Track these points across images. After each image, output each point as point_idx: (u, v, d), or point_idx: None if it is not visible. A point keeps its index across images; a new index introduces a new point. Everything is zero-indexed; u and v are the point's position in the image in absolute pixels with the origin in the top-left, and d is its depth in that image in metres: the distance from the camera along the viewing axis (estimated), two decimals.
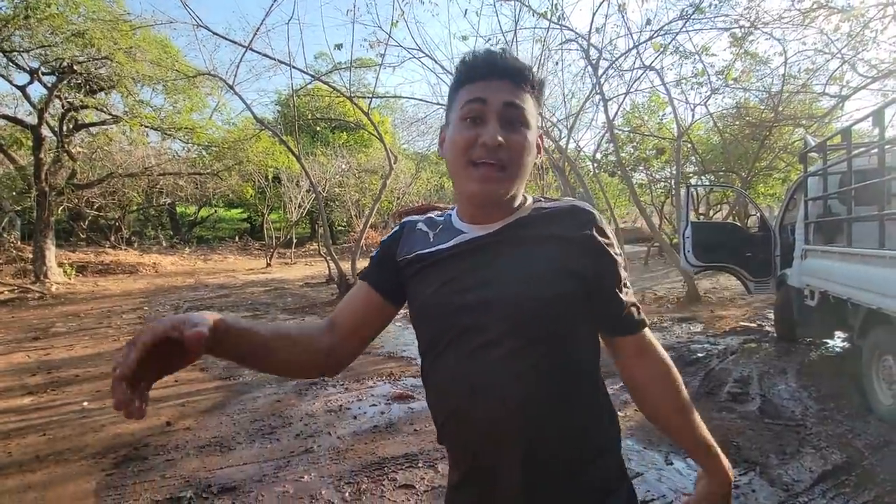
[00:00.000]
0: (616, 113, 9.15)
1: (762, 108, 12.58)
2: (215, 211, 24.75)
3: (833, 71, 10.37)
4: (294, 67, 8.90)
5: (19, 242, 15.08)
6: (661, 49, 7.84)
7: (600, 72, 8.42)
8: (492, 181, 0.76)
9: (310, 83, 10.55)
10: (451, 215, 0.89)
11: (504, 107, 0.76)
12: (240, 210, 26.06)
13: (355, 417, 3.63)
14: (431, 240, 0.86)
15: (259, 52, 8.68)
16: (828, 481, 2.61)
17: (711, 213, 16.67)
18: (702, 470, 0.86)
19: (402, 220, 0.95)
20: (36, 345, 6.21)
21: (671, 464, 2.85)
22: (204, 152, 16.22)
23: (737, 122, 13.71)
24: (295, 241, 21.72)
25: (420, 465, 2.89)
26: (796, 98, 11.94)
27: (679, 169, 9.36)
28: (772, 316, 6.05)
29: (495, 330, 0.75)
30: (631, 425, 3.37)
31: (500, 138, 0.74)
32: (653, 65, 8.94)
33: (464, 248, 0.81)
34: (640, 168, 14.42)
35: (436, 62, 9.01)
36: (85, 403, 4.06)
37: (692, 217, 6.28)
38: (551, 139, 8.24)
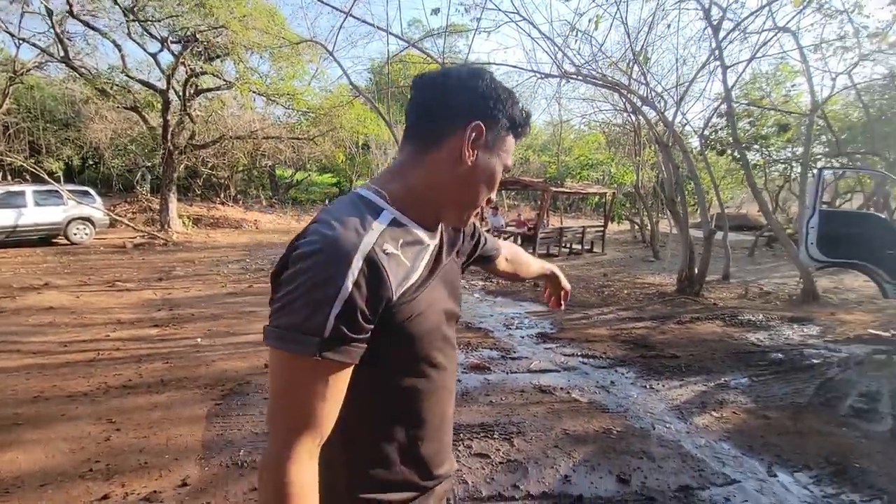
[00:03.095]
0: (734, 83, 8.10)
1: None
2: (309, 175, 26.33)
3: None
4: (390, 33, 8.95)
5: (149, 195, 17.23)
6: (803, 5, 6.72)
7: (722, 34, 7.46)
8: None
9: (403, 50, 10.58)
10: (396, 218, 0.73)
11: None
12: (330, 175, 27.46)
13: None
14: (409, 263, 0.72)
15: (358, 18, 8.83)
16: (841, 479, 2.19)
17: (839, 202, 14.51)
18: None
19: (360, 256, 0.64)
20: (161, 284, 7.11)
21: (775, 475, 2.56)
22: (302, 118, 17.14)
23: (886, 96, 11.60)
24: None
25: (495, 436, 2.88)
26: None
27: (808, 148, 8.14)
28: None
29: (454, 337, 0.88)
30: (728, 427, 3.08)
31: None
32: (787, 25, 7.75)
33: (431, 260, 0.79)
34: (756, 147, 12.82)
35: (533, 26, 8.53)
36: (199, 340, 4.57)
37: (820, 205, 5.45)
38: (656, 111, 7.53)
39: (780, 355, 4.57)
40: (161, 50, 12.97)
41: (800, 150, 12.86)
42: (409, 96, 0.78)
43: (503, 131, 0.77)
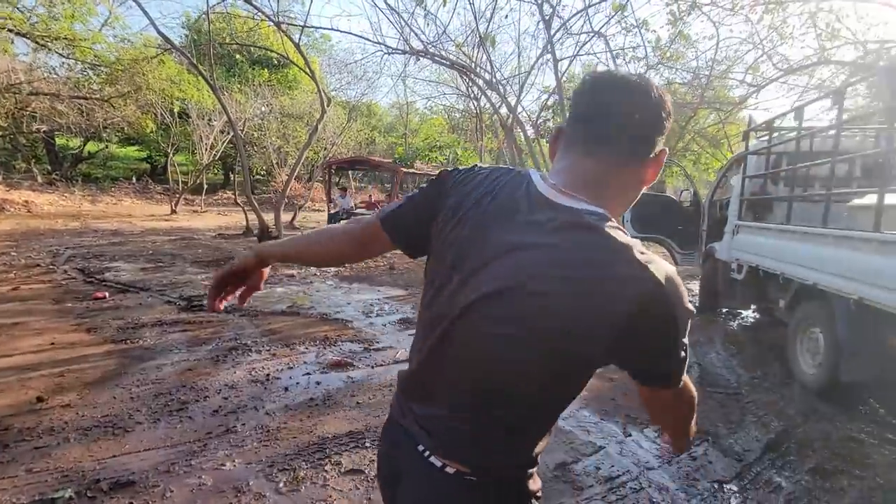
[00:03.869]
0: (563, 74, 8.94)
1: (684, 90, 13.15)
2: (106, 146, 21.35)
3: (753, 61, 11.05)
4: None
5: None
6: (619, 9, 7.66)
7: (552, 31, 8.11)
8: None
9: (227, 1, 9.06)
10: None
11: None
12: (137, 148, 22.76)
13: (286, 389, 3.16)
14: None
15: None
16: (774, 451, 2.68)
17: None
18: None
19: None
20: None
21: (629, 435, 2.78)
22: (91, 73, 13.65)
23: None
24: (206, 187, 19.61)
25: (367, 445, 2.54)
26: (715, 84, 12.61)
27: None
28: (694, 287, 6.39)
29: None
30: (585, 395, 3.28)
31: None
32: (601, 31, 8.82)
33: None
34: None
35: None
36: None
37: None
38: (500, 95, 7.85)
39: None
40: None
41: None
42: (595, 92, 0.72)
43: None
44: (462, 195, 0.76)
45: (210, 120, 16.22)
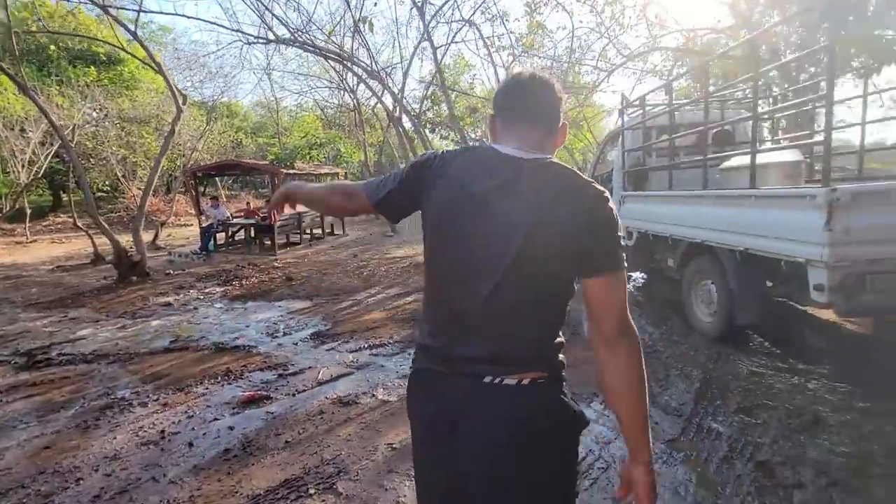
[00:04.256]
0: (441, 61, 8.87)
1: (547, 76, 14.15)
2: None
3: (601, 49, 12.29)
4: None
5: None
6: (477, 5, 7.78)
7: (427, 18, 7.99)
8: None
9: None
10: None
11: None
12: None
13: (191, 445, 2.58)
14: None
15: None
16: (703, 399, 2.88)
17: None
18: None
19: None
20: None
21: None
22: None
23: None
24: (29, 212, 16.07)
25: (311, 491, 2.15)
26: (573, 70, 13.80)
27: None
28: None
29: None
30: None
31: None
32: (471, 19, 8.95)
33: None
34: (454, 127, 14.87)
35: None
36: None
37: None
38: (382, 84, 7.53)
39: None
40: None
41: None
42: (523, 88, 1.01)
43: None
44: (449, 188, 0.97)
45: (23, 129, 13.23)
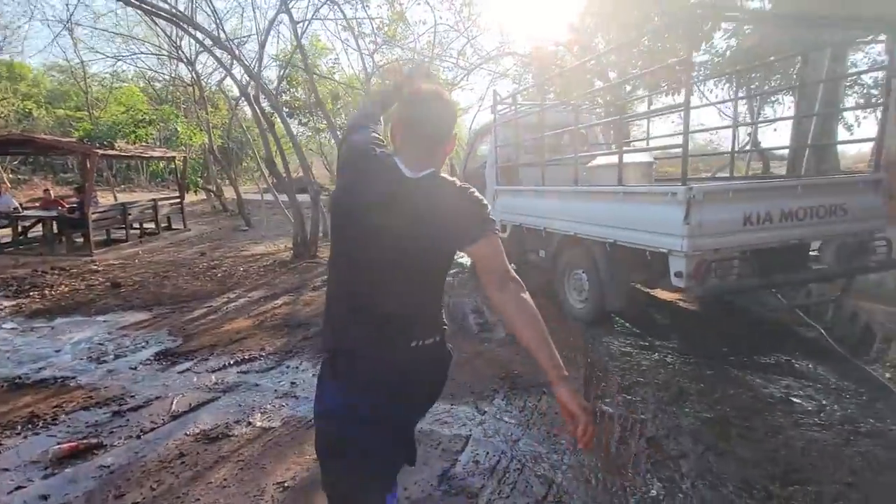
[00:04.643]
0: (301, 36, 8.05)
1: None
2: None
3: (461, 47, 12.76)
4: None
5: None
6: None
7: None
8: None
9: None
10: None
11: None
12: None
13: None
14: None
15: None
16: (594, 384, 3.06)
17: None
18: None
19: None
20: None
21: (484, 413, 2.71)
22: None
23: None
24: None
25: None
26: (434, 65, 14.08)
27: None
28: None
29: None
30: None
31: None
32: None
33: None
34: (318, 113, 13.90)
35: None
36: None
37: None
38: (234, 56, 6.52)
39: None
40: None
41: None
42: (425, 103, 1.18)
43: None
44: (359, 190, 1.17)
45: None
